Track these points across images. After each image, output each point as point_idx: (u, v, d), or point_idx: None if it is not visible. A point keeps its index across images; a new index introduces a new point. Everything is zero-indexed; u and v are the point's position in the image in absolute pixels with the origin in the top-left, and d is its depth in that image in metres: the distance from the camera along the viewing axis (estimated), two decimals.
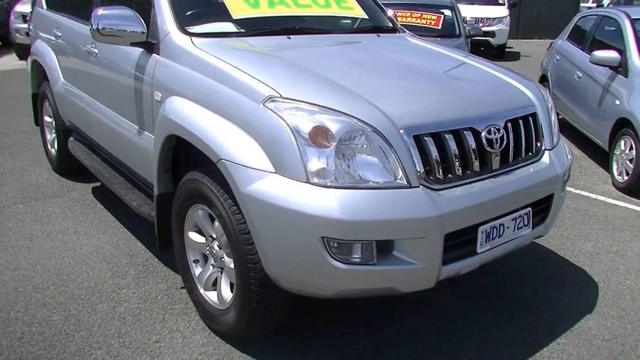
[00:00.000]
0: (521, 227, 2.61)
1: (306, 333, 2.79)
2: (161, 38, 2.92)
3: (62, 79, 4.37)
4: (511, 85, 2.88)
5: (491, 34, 12.69)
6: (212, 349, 2.66)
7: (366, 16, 3.64)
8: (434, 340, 2.78)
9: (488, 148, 2.46)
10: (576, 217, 4.37)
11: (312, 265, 2.18)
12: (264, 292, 2.38)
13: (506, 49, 14.34)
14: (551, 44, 7.64)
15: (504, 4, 14.24)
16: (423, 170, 2.26)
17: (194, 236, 2.79)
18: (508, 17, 13.86)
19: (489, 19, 13.25)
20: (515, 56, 14.57)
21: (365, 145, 2.19)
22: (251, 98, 2.32)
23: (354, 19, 3.63)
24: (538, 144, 2.77)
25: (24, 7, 11.52)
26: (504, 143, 2.53)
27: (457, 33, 7.62)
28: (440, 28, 7.43)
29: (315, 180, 2.13)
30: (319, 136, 2.15)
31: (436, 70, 2.97)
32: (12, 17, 11.66)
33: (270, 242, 2.22)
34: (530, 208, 2.63)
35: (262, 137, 2.25)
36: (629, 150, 4.98)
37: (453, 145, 2.36)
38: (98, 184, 4.62)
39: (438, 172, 2.30)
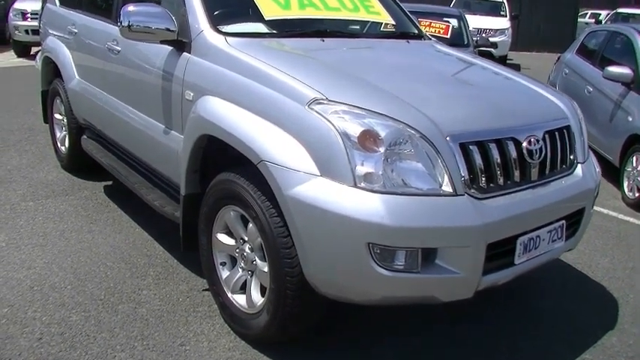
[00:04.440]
0: (555, 240, 2.59)
1: (333, 340, 2.75)
2: (193, 37, 2.88)
3: (77, 76, 4.30)
4: (546, 97, 2.87)
5: (494, 45, 12.78)
6: (239, 353, 2.61)
7: (393, 22, 3.62)
8: (461, 352, 2.75)
9: (528, 159, 2.45)
10: (590, 231, 4.35)
11: (355, 271, 2.14)
12: (300, 296, 2.34)
13: (507, 61, 14.45)
14: (559, 58, 7.69)
15: (506, 16, 14.36)
16: (467, 178, 2.23)
17: (223, 238, 2.74)
18: (510, 29, 13.97)
19: (492, 30, 13.35)
20: (515, 68, 14.60)
21: (412, 151, 2.17)
22: (295, 100, 2.29)
23: (381, 24, 3.62)
24: (571, 157, 2.76)
25: (23, 5, 11.48)
26: (542, 154, 2.52)
27: (465, 42, 7.65)
28: (449, 37, 7.41)
29: (363, 184, 2.10)
30: (368, 140, 2.12)
31: (472, 78, 2.97)
32: (10, 14, 11.57)
33: (313, 247, 2.18)
34: (564, 221, 2.61)
35: (307, 140, 2.21)
36: None
37: (496, 155, 2.34)
38: (110, 182, 4.55)
39: (482, 180, 2.28)
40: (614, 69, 5.44)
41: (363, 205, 2.07)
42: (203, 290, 3.09)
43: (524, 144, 2.44)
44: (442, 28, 7.46)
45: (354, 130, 2.14)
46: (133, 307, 2.91)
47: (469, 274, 2.22)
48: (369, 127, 2.14)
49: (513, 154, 2.40)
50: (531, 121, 2.56)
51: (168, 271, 3.30)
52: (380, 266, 2.11)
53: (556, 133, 2.66)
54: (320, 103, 2.23)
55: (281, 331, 2.48)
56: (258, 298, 2.59)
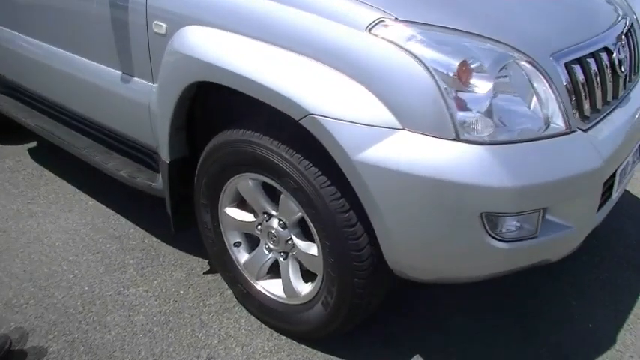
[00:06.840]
0: (635, 161, 2.20)
1: (397, 321, 2.25)
2: None
3: None
4: None
5: None
6: (285, 355, 2.07)
7: None
8: (532, 301, 2.38)
9: (619, 71, 1.98)
10: None
11: (464, 249, 1.62)
12: (371, 284, 1.81)
13: None
14: None
15: None
16: (576, 107, 1.73)
17: (235, 213, 2.12)
18: None
19: None
20: None
21: (514, 81, 1.61)
22: (346, 24, 1.62)
23: None
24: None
25: None
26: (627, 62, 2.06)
27: None
28: None
29: (467, 136, 1.53)
30: (468, 72, 1.53)
31: None
32: None
33: (402, 225, 1.61)
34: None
35: (373, 80, 1.58)
36: None
37: (595, 71, 1.84)
38: (34, 144, 3.66)
39: (585, 107, 1.79)
40: None
41: (473, 164, 1.52)
42: (203, 274, 2.48)
43: (615, 53, 1.95)
44: None
45: (448, 60, 1.54)
46: (127, 316, 2.25)
47: (583, 224, 1.78)
48: (469, 55, 1.55)
49: (608, 66, 1.91)
50: (613, 24, 2.07)
51: (150, 254, 2.63)
52: (495, 238, 1.60)
53: (630, 33, 2.19)
54: (387, 26, 1.59)
55: (343, 326, 1.95)
56: (301, 286, 2.03)
